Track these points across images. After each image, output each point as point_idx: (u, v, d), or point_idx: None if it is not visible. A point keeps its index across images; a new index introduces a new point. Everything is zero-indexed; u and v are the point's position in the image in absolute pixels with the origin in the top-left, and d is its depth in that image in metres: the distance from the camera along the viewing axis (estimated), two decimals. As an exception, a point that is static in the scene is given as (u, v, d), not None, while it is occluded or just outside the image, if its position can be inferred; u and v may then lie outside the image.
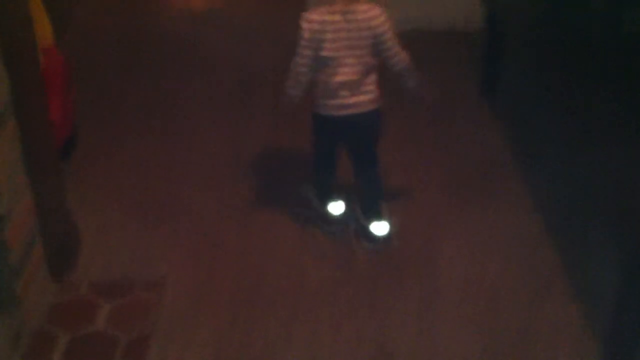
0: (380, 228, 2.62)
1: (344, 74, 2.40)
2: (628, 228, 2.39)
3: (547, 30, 3.26)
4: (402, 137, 3.20)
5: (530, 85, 3.21)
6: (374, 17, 2.36)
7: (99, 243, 2.64)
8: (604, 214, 2.64)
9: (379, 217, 2.62)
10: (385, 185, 2.70)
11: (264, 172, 3.04)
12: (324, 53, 2.38)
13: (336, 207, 2.73)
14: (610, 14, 3.08)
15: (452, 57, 3.97)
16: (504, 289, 2.41)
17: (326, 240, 2.66)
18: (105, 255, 2.59)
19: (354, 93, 2.43)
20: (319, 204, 2.75)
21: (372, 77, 2.46)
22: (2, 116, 2.06)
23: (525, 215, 2.75)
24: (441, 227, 2.71)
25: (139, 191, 2.91)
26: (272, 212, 2.79)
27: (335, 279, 2.49)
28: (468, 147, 3.15)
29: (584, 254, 2.55)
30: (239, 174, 3.01)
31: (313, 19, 2.38)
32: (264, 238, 2.67)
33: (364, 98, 2.45)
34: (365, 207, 2.66)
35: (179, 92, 3.66)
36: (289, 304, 2.37)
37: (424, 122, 3.32)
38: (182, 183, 2.96)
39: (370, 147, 2.57)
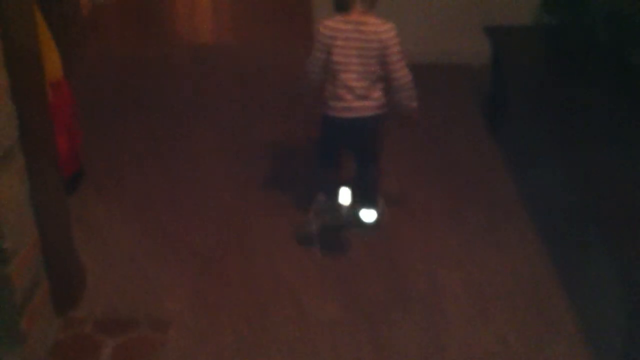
0: (368, 215, 2.80)
1: (351, 79, 2.59)
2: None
3: (552, 65, 3.26)
4: (406, 171, 3.20)
5: (536, 121, 3.20)
6: (384, 31, 2.54)
7: (104, 279, 2.62)
8: (609, 241, 2.62)
9: (370, 205, 2.80)
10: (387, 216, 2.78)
11: (269, 206, 3.03)
12: (334, 57, 2.59)
13: (344, 195, 2.86)
14: (616, 48, 3.08)
15: (458, 90, 3.99)
16: (512, 332, 2.39)
17: (330, 278, 2.65)
18: (110, 292, 2.57)
19: (359, 98, 2.61)
20: (325, 205, 2.84)
21: (378, 86, 2.63)
22: (11, 151, 2.05)
23: (532, 251, 2.74)
24: (444, 260, 2.71)
25: (145, 227, 2.90)
26: (276, 248, 2.78)
27: (338, 316, 2.46)
28: (472, 184, 3.14)
29: (592, 291, 2.53)
30: (244, 209, 3.01)
31: (327, 25, 2.60)
32: (268, 275, 2.65)
33: (368, 104, 2.63)
34: (360, 196, 2.83)
35: (186, 126, 3.67)
36: (293, 342, 2.35)
37: (428, 157, 3.32)
38: (188, 219, 2.95)
39: (371, 147, 2.77)
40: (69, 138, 2.93)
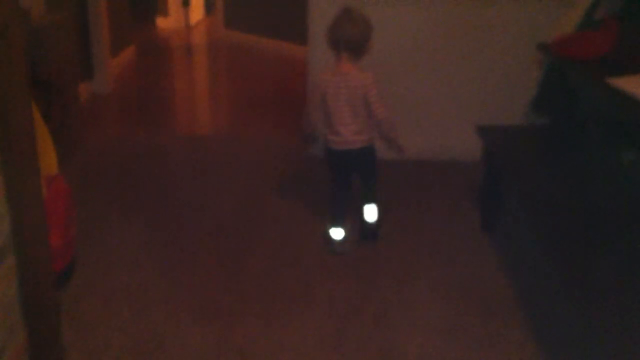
0: (371, 212, 3.42)
1: (343, 118, 3.18)
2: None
3: (544, 164, 3.29)
4: (403, 273, 3.19)
5: (529, 219, 3.20)
6: (364, 78, 3.14)
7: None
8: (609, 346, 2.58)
9: (370, 201, 3.41)
10: (384, 323, 2.69)
11: (261, 310, 2.99)
12: (328, 102, 3.18)
13: (337, 233, 3.37)
14: (608, 154, 3.12)
15: (452, 187, 4.02)
16: None
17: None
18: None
19: (354, 133, 3.21)
20: (338, 245, 3.37)
21: (366, 123, 3.20)
22: (2, 251, 2.05)
23: None
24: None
25: (136, 326, 2.85)
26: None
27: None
28: (468, 286, 3.11)
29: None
30: (236, 310, 2.96)
31: (322, 77, 3.22)
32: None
33: (359, 137, 3.22)
34: (363, 194, 3.44)
35: (183, 220, 3.66)
36: None
37: (424, 257, 3.31)
38: (181, 318, 2.91)
39: (370, 168, 3.37)
40: (62, 233, 2.92)
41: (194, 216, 3.70)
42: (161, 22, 9.04)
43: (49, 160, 2.94)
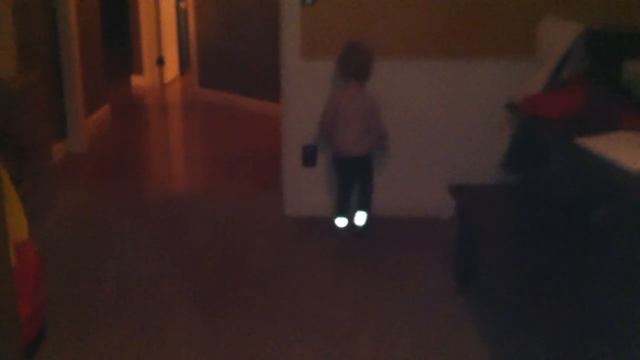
0: (361, 217, 4.15)
1: (349, 130, 3.94)
2: None
3: (516, 226, 3.31)
4: (380, 334, 3.16)
5: (503, 278, 3.21)
6: (370, 100, 3.97)
7: None
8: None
9: (364, 209, 4.14)
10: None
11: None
12: (338, 117, 3.93)
13: (342, 222, 4.20)
14: (578, 212, 3.14)
15: (428, 246, 4.03)
16: None
17: None
18: None
19: (355, 142, 3.96)
20: (342, 230, 4.22)
21: (367, 134, 3.98)
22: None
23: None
24: None
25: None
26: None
27: None
28: (446, 349, 3.09)
29: None
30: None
31: (335, 95, 4.01)
32: None
33: (360, 145, 3.98)
34: (359, 202, 4.17)
35: (157, 284, 3.61)
36: None
37: (401, 319, 3.29)
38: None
39: (367, 174, 4.13)
40: (32, 301, 2.86)
41: (170, 278, 3.66)
42: (136, 80, 9.08)
43: (18, 225, 2.90)
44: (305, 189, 4.42)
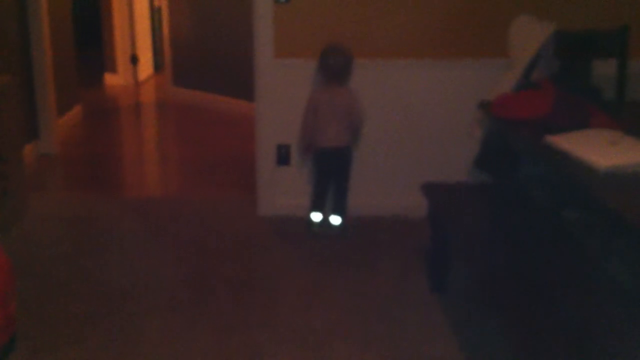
0: (335, 219, 4.19)
1: (330, 124, 4.03)
2: None
3: (489, 226, 3.32)
4: (353, 339, 3.16)
5: (477, 277, 3.21)
6: (349, 96, 4.06)
7: None
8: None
9: (338, 213, 4.19)
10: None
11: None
12: (318, 112, 4.04)
13: (316, 217, 4.22)
14: (550, 212, 3.15)
15: (400, 246, 4.03)
16: None
17: None
18: None
19: (335, 134, 4.05)
20: (316, 226, 4.24)
21: (346, 128, 4.08)
22: None
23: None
24: None
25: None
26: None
27: None
28: (418, 352, 3.09)
29: None
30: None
31: (315, 92, 4.09)
32: None
33: (341, 138, 4.07)
34: (334, 205, 4.22)
35: (129, 292, 3.55)
36: None
37: (373, 322, 3.28)
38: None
39: (344, 170, 4.19)
40: (2, 309, 2.83)
41: (143, 284, 3.62)
42: (110, 79, 9.02)
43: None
44: (279, 189, 4.41)
